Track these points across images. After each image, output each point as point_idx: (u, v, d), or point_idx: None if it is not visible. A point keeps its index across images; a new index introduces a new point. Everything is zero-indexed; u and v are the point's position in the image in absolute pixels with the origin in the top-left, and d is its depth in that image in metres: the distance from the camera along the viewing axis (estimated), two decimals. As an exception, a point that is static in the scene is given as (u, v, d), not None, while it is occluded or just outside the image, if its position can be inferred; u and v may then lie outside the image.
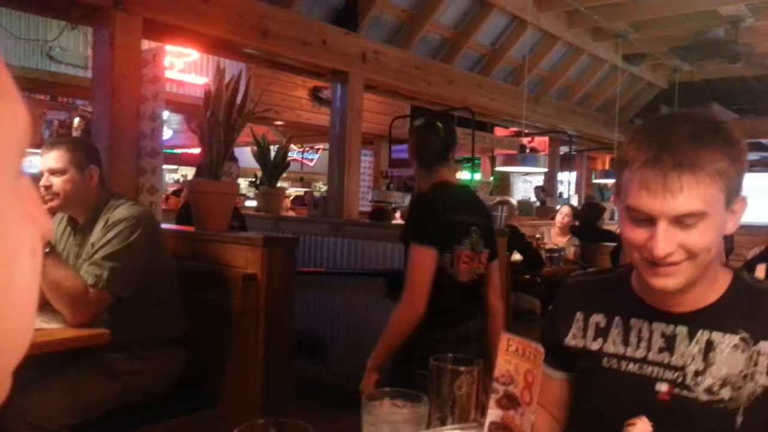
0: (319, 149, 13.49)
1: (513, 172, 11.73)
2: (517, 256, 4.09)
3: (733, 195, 0.92)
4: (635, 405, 0.97)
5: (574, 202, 8.51)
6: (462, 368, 0.99)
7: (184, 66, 6.17)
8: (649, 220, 0.91)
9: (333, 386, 3.91)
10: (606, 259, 4.98)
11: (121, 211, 2.03)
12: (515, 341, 0.88)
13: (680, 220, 0.89)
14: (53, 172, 2.03)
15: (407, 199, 5.92)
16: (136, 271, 1.99)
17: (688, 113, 0.97)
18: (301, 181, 13.17)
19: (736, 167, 0.90)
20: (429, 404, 0.95)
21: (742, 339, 0.95)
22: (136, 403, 2.08)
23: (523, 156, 4.76)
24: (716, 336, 0.96)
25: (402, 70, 4.89)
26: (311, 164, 14.38)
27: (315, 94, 7.56)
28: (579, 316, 1.10)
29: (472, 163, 5.71)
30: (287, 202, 8.67)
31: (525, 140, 9.48)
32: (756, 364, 0.93)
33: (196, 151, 13.01)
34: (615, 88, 7.41)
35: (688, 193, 0.87)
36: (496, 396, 0.89)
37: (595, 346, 1.07)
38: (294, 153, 12.88)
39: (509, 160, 5.00)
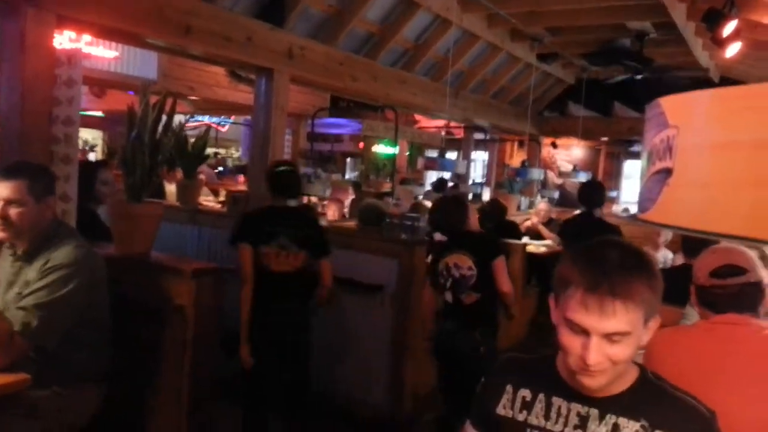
0: (232, 116, 13.05)
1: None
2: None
3: (650, 317, 1.13)
4: None
5: (487, 190, 8.92)
6: None
7: (91, 39, 5.74)
8: (584, 333, 1.10)
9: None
10: (516, 257, 5.32)
11: (63, 253, 1.97)
12: None
13: (609, 337, 1.09)
14: (10, 202, 1.96)
15: (328, 191, 5.96)
16: (65, 323, 1.95)
17: (613, 242, 1.17)
18: (216, 157, 12.70)
19: (655, 295, 1.12)
20: None
21: (642, 426, 1.13)
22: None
23: (443, 160, 4.93)
24: (622, 421, 1.15)
25: (327, 66, 4.86)
26: (224, 130, 13.92)
27: (233, 72, 7.30)
28: (509, 388, 1.27)
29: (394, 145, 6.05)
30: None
31: (441, 122, 9.74)
32: None
33: (99, 114, 12.20)
34: (528, 83, 7.74)
35: (619, 318, 1.08)
36: None
37: (520, 417, 1.24)
38: (205, 118, 12.41)
39: (430, 164, 5.16)
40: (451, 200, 3.28)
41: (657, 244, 5.90)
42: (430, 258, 3.14)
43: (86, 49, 5.80)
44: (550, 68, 7.82)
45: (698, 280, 1.73)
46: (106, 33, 3.72)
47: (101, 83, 7.06)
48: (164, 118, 2.63)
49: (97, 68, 6.06)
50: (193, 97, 7.49)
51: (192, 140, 4.80)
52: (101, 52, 5.99)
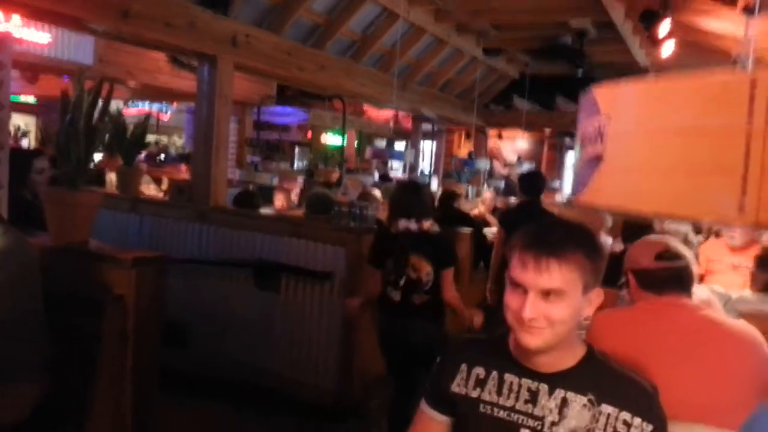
0: (174, 103, 12.68)
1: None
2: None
3: (589, 286, 1.18)
4: None
5: (435, 180, 9.03)
6: None
7: (22, 21, 5.46)
8: (523, 290, 1.16)
9: (195, 374, 3.91)
10: (464, 244, 5.40)
11: None
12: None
13: (545, 294, 1.14)
14: None
15: (275, 180, 5.90)
16: None
17: (562, 221, 1.28)
18: (157, 144, 12.32)
19: (593, 266, 1.18)
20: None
21: (590, 400, 1.19)
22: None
23: (391, 150, 4.96)
24: (570, 395, 1.20)
25: (273, 56, 4.80)
26: (166, 118, 13.52)
27: (175, 58, 7.09)
28: (464, 367, 1.31)
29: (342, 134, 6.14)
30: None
31: (390, 113, 9.78)
32: (597, 422, 1.18)
33: (30, 99, 11.63)
34: (474, 76, 7.86)
35: (553, 274, 1.14)
36: None
37: (474, 393, 1.28)
38: (146, 105, 12.01)
39: (379, 153, 5.18)
40: (412, 185, 3.26)
41: (598, 230, 6.14)
42: (394, 253, 2.93)
43: (18, 32, 5.53)
44: (495, 63, 7.98)
45: (640, 264, 1.78)
46: (38, 14, 3.55)
47: (34, 68, 6.75)
48: (100, 103, 2.52)
49: (29, 52, 5.78)
50: (132, 83, 7.24)
51: (131, 127, 4.65)
52: (34, 36, 5.71)
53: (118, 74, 6.32)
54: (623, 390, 1.20)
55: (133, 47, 5.96)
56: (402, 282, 2.92)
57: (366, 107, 10.59)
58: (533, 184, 4.56)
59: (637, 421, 1.16)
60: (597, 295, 1.21)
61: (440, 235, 3.15)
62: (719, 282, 3.65)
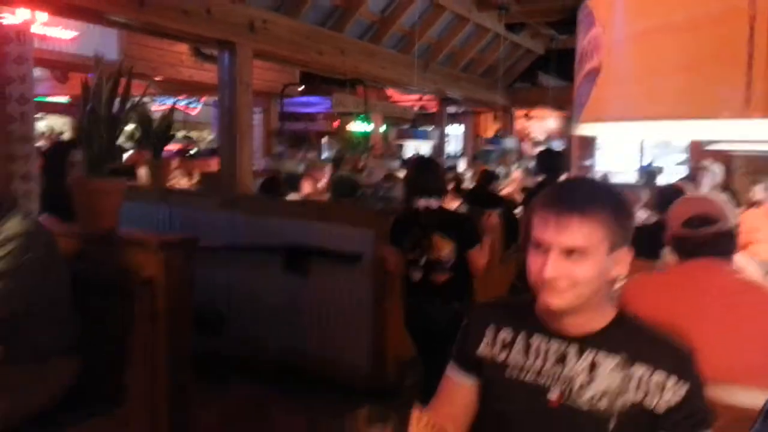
0: (202, 98, 12.79)
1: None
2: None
3: (616, 246, 1.12)
4: (530, 409, 1.18)
5: (462, 162, 8.93)
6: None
7: (48, 19, 5.56)
8: (545, 250, 1.11)
9: (229, 357, 3.97)
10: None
11: (13, 226, 1.91)
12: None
13: (567, 253, 1.09)
14: None
15: (301, 167, 5.92)
16: (25, 292, 1.92)
17: (592, 180, 1.21)
18: (187, 139, 12.49)
19: (620, 223, 1.12)
20: None
21: (621, 362, 1.15)
22: (31, 418, 2.02)
23: (416, 130, 4.92)
24: (600, 357, 1.16)
25: (292, 40, 4.79)
26: (194, 113, 13.67)
27: (197, 50, 7.16)
28: (490, 330, 1.27)
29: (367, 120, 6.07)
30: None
31: (414, 97, 9.69)
32: (629, 383, 1.13)
33: (63, 99, 11.89)
34: (497, 54, 7.72)
35: (574, 231, 1.09)
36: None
37: (501, 356, 1.25)
38: (173, 100, 12.15)
39: (404, 135, 5.15)
40: (425, 162, 3.17)
41: (632, 205, 5.97)
42: (415, 232, 2.85)
43: (43, 30, 5.65)
44: (519, 38, 7.82)
45: (671, 230, 1.75)
46: (58, 9, 3.60)
47: (61, 65, 6.87)
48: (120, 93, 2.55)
49: (55, 50, 5.90)
50: (157, 78, 7.33)
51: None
52: (59, 33, 5.83)
53: (142, 69, 6.41)
54: (657, 350, 1.15)
55: (156, 42, 6.05)
56: (422, 262, 2.84)
57: (391, 92, 10.53)
58: (549, 162, 4.42)
59: (672, 380, 1.12)
60: (626, 255, 1.15)
61: (465, 216, 3.04)
62: (761, 251, 3.54)
